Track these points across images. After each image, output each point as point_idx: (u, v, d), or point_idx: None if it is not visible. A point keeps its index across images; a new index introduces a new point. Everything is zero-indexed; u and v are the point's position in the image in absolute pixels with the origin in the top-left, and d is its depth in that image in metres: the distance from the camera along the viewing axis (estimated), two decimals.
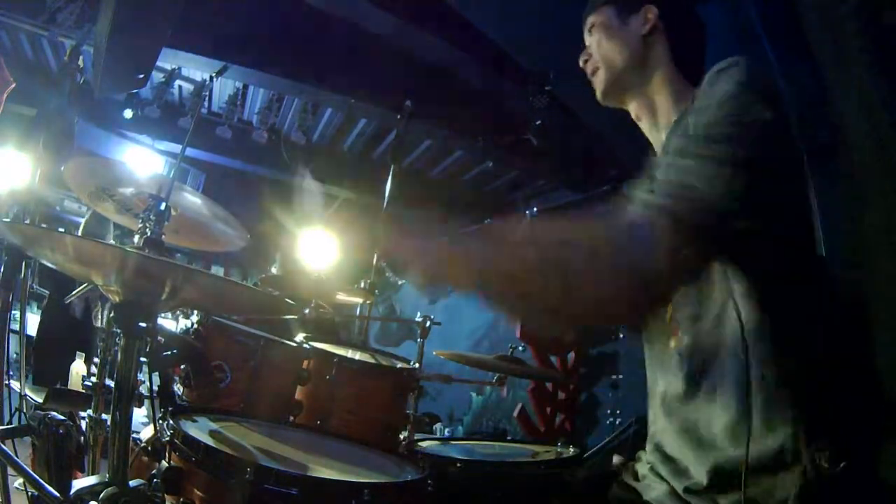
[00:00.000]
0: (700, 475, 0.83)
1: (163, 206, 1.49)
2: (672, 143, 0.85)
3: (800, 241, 0.84)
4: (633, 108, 1.09)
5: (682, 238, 0.71)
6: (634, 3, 1.06)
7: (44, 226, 1.63)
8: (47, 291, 3.79)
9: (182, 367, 1.50)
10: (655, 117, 1.05)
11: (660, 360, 1.00)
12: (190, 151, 5.25)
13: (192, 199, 1.82)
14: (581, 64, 1.12)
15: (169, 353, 1.14)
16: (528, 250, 0.75)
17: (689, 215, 0.72)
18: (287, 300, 1.18)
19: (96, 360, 1.77)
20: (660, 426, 0.94)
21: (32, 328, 3.45)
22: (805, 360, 0.81)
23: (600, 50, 1.07)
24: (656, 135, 1.07)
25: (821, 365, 0.84)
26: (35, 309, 4.35)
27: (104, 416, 1.61)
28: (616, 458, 1.03)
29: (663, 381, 0.96)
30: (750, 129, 0.77)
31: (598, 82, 1.08)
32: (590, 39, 1.10)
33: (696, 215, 0.72)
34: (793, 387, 0.79)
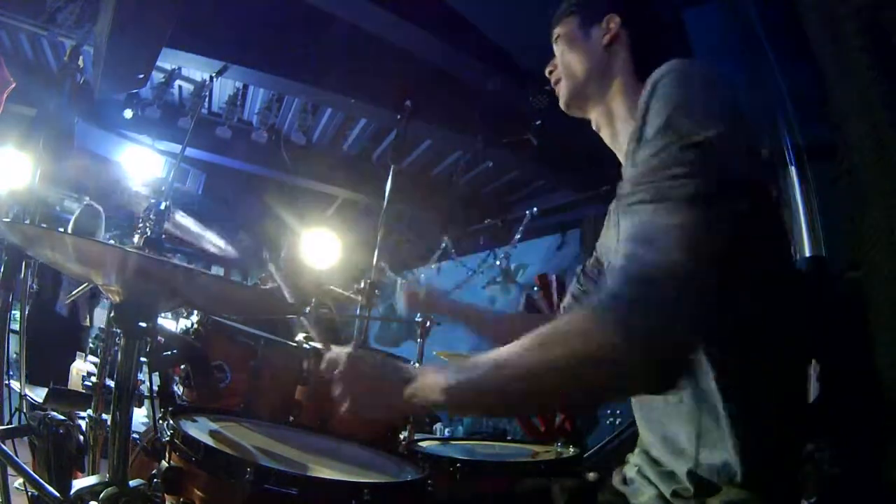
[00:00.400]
0: (687, 480, 0.82)
1: (162, 206, 1.49)
2: (627, 185, 0.77)
3: (767, 244, 0.81)
4: (594, 118, 1.08)
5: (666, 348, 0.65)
6: (597, 13, 1.06)
7: (44, 225, 1.63)
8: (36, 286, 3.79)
9: (182, 367, 1.51)
10: (615, 127, 1.05)
11: None
12: (190, 151, 5.25)
13: (182, 221, 1.82)
14: (546, 74, 1.13)
15: (169, 353, 1.14)
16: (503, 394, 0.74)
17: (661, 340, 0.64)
18: (287, 300, 1.18)
19: (92, 358, 1.77)
20: (644, 432, 0.94)
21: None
22: (781, 365, 0.80)
23: (563, 60, 1.08)
24: (617, 145, 1.06)
25: (798, 368, 0.84)
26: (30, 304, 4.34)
27: (104, 416, 1.62)
28: (591, 475, 1.02)
29: None
30: (697, 160, 0.70)
31: (561, 93, 1.09)
32: (556, 50, 1.11)
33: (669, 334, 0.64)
34: (771, 390, 0.79)
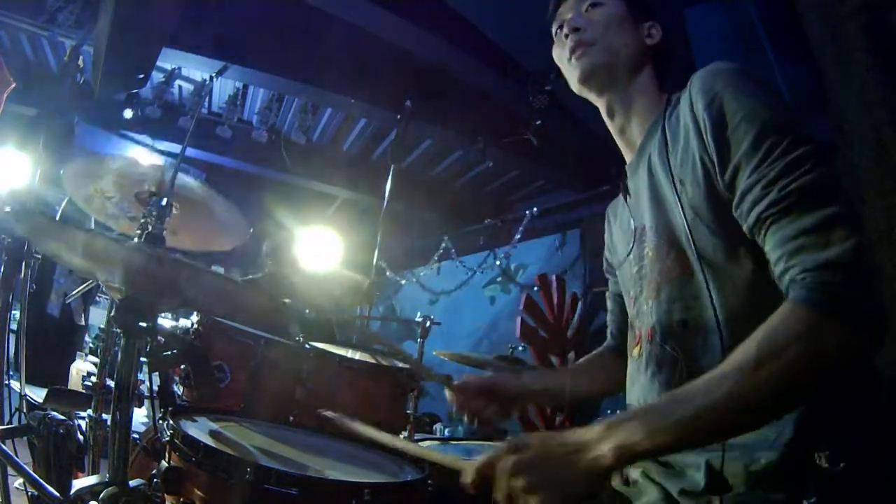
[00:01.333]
0: (697, 477, 0.82)
1: (164, 202, 1.48)
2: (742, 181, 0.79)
3: None
4: (609, 101, 1.04)
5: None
6: (645, 12, 1.06)
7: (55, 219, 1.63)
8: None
9: (182, 367, 1.51)
10: (629, 118, 1.04)
11: (634, 372, 1.00)
12: (190, 151, 5.26)
13: (195, 189, 1.79)
14: (567, 28, 1.03)
15: (169, 353, 1.14)
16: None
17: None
18: (284, 301, 1.18)
19: (92, 358, 1.77)
20: None
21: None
22: None
23: (607, 31, 1.02)
24: (625, 137, 1.05)
25: None
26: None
27: (104, 416, 1.61)
28: None
29: (639, 390, 0.96)
30: (809, 147, 0.75)
31: (589, 58, 1.01)
32: (587, 13, 1.04)
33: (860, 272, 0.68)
34: None
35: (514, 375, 1.23)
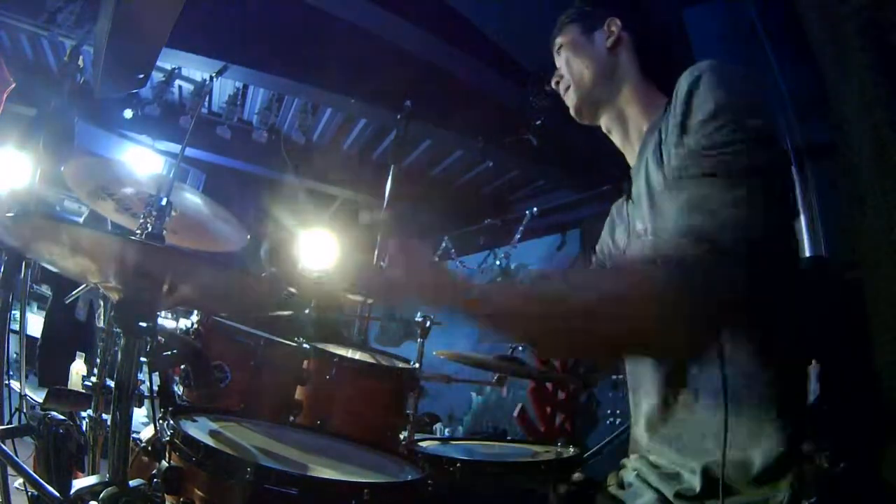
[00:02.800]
0: (692, 480, 0.82)
1: (164, 202, 1.49)
2: (669, 158, 0.83)
3: (779, 242, 0.83)
4: (605, 122, 1.10)
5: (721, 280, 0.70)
6: (597, 18, 1.08)
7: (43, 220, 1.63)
8: (49, 293, 3.79)
9: (182, 367, 1.51)
10: (626, 128, 1.06)
11: (636, 375, 1.00)
12: (190, 151, 5.25)
13: (192, 199, 1.81)
14: (553, 85, 1.14)
15: (169, 353, 1.14)
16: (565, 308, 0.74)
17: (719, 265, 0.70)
18: (290, 291, 1.17)
19: (98, 360, 1.77)
20: (643, 434, 0.94)
21: (32, 328, 3.45)
22: (785, 362, 0.81)
23: (569, 68, 1.09)
24: (629, 146, 1.08)
25: (801, 367, 0.84)
26: (35, 309, 4.35)
27: (104, 416, 1.61)
28: (576, 476, 1.02)
29: (643, 393, 0.96)
30: (749, 138, 0.76)
31: (570, 100, 1.10)
32: (559, 60, 1.12)
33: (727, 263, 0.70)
34: (775, 389, 0.79)
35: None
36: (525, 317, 0.79)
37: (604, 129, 1.11)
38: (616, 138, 1.10)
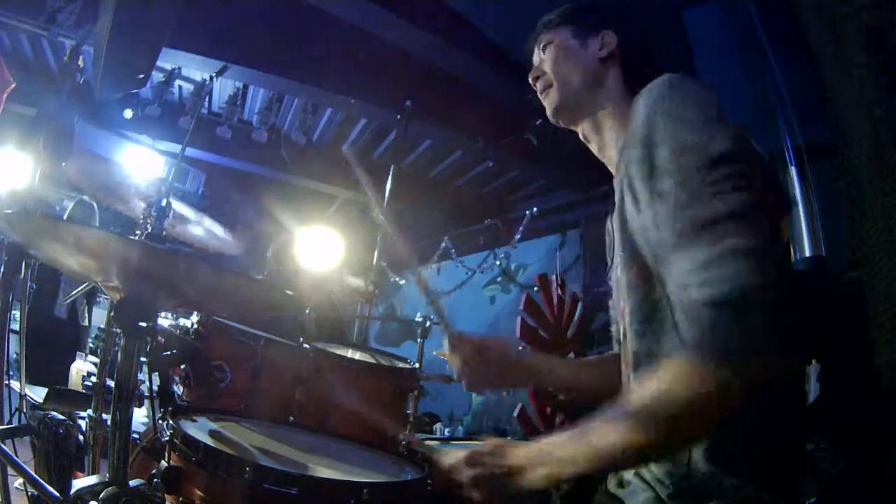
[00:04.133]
0: (688, 478, 0.82)
1: (163, 203, 1.49)
2: (647, 192, 0.79)
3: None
4: (582, 129, 1.09)
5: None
6: (592, 26, 1.07)
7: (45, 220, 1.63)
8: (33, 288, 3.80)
9: (182, 367, 1.51)
10: (603, 140, 1.06)
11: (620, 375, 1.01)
12: (190, 151, 5.26)
13: (186, 215, 1.81)
14: (531, 81, 1.12)
15: (169, 353, 1.14)
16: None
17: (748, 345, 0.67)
18: (288, 293, 1.17)
19: (92, 358, 1.76)
20: None
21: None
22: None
23: (556, 68, 1.08)
24: (604, 154, 1.08)
25: (797, 366, 0.84)
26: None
27: (104, 416, 1.61)
28: (563, 486, 1.02)
29: (624, 389, 0.97)
30: (732, 172, 0.73)
31: (550, 100, 1.09)
32: (541, 56, 1.11)
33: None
34: (769, 389, 0.79)
35: (519, 349, 1.24)
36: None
37: (581, 137, 1.11)
38: (593, 146, 1.10)
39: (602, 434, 0.74)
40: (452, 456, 0.90)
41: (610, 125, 1.05)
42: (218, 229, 1.83)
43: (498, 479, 0.83)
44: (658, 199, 0.76)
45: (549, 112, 1.10)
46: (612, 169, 1.08)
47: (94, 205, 1.93)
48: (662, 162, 0.77)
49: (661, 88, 0.82)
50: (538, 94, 1.11)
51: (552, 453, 0.80)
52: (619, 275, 0.97)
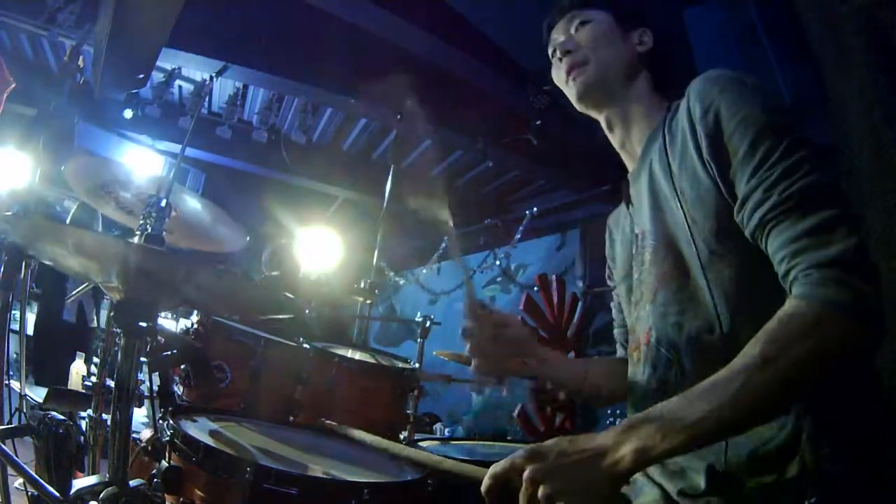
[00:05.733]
0: (697, 478, 0.82)
1: (163, 203, 1.49)
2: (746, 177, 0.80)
3: None
4: (608, 116, 1.08)
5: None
6: (633, 21, 1.08)
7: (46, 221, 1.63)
8: (40, 291, 3.79)
9: (182, 367, 1.51)
10: (629, 130, 1.06)
11: (633, 375, 1.00)
12: (190, 151, 5.25)
13: (192, 203, 1.81)
14: (560, 52, 1.07)
15: (169, 353, 1.14)
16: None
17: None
18: (288, 295, 1.18)
19: (95, 360, 1.76)
20: None
21: (32, 328, 3.46)
22: None
23: (597, 48, 1.05)
24: (628, 148, 1.07)
25: None
26: (35, 309, 4.34)
27: (104, 416, 1.61)
28: None
29: (640, 397, 0.96)
30: (809, 154, 0.77)
31: (584, 77, 1.04)
32: (572, 32, 1.07)
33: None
34: None
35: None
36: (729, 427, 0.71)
37: (604, 124, 1.09)
38: (616, 138, 1.09)
39: (708, 392, 0.68)
40: (491, 472, 0.74)
41: (637, 116, 1.04)
42: (228, 220, 1.82)
43: (567, 472, 0.69)
44: (745, 175, 0.79)
45: (578, 90, 1.05)
46: (629, 162, 1.08)
47: (97, 207, 1.93)
48: (746, 142, 0.79)
49: (729, 76, 0.85)
50: (563, 70, 1.06)
51: (648, 418, 0.70)
52: (646, 269, 0.97)
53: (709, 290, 0.85)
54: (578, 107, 1.08)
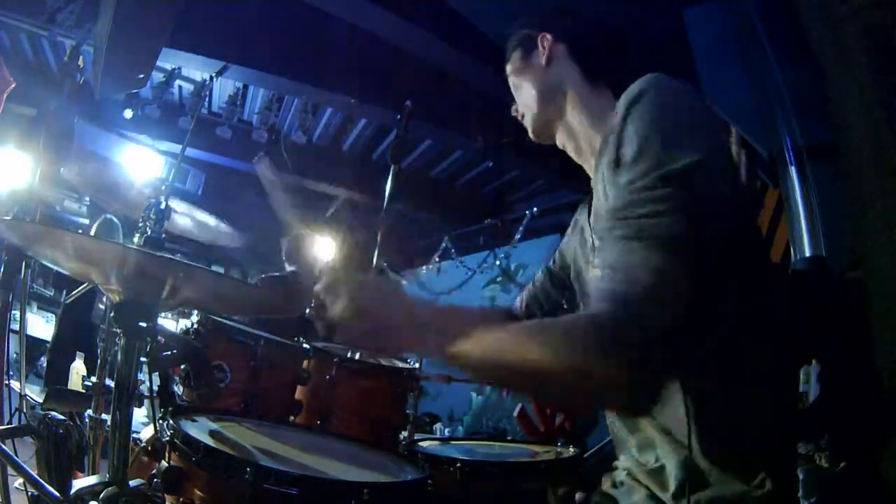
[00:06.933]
0: (672, 479, 0.82)
1: (162, 206, 1.49)
2: (609, 196, 0.80)
3: (746, 258, 0.80)
4: (559, 139, 1.09)
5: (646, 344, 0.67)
6: (531, 38, 1.07)
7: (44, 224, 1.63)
8: (54, 293, 3.79)
9: (182, 367, 1.50)
10: (578, 144, 1.05)
11: None
12: (190, 151, 5.26)
13: (182, 221, 1.81)
14: (513, 114, 1.14)
15: (169, 353, 1.14)
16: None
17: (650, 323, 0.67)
18: (288, 298, 1.17)
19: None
20: (624, 435, 0.94)
21: (32, 328, 3.46)
22: (738, 367, 0.79)
23: (519, 95, 1.09)
24: (582, 158, 1.07)
25: (781, 367, 0.83)
26: (35, 309, 4.35)
27: (104, 416, 1.61)
28: (578, 496, 1.02)
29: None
30: (681, 177, 0.71)
31: (528, 126, 1.10)
32: (513, 91, 1.12)
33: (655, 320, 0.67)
34: (746, 390, 0.79)
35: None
36: (488, 370, 0.81)
37: (559, 146, 1.10)
38: (570, 151, 1.09)
39: (489, 336, 0.75)
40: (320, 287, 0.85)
41: (581, 127, 1.03)
42: (219, 224, 1.82)
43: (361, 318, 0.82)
44: (611, 193, 0.78)
45: (533, 138, 1.13)
46: (589, 171, 1.06)
47: (118, 222, 1.94)
48: (624, 161, 0.76)
49: (640, 88, 0.81)
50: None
51: (440, 328, 0.79)
52: (591, 275, 0.97)
53: None
54: (544, 144, 1.13)
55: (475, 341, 0.75)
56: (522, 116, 1.11)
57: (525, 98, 1.08)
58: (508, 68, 1.11)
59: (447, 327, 0.78)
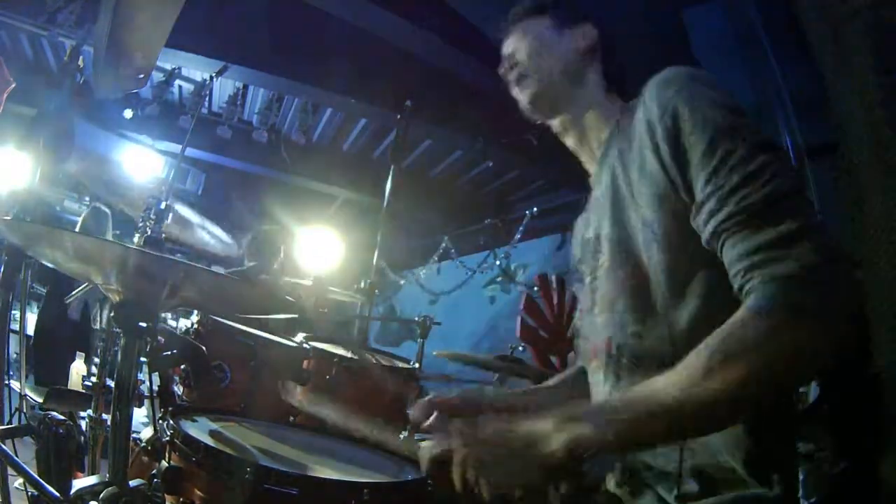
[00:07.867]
0: (685, 479, 0.82)
1: (162, 206, 1.49)
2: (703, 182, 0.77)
3: None
4: (560, 123, 1.07)
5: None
6: (571, 19, 1.06)
7: (41, 224, 1.63)
8: (44, 290, 3.79)
9: (182, 367, 1.50)
10: (584, 134, 1.05)
11: (595, 384, 0.99)
12: (190, 151, 5.25)
13: (183, 213, 1.81)
14: (503, 70, 1.10)
15: (169, 353, 1.14)
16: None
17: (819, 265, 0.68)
18: (288, 297, 1.18)
19: (96, 360, 1.77)
20: None
21: (32, 328, 3.46)
22: None
23: (535, 59, 1.05)
24: (585, 151, 1.06)
25: None
26: (35, 309, 4.35)
27: (104, 416, 1.62)
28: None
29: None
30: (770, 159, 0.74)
31: (527, 90, 1.06)
32: (516, 45, 1.08)
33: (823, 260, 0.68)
34: None
35: (480, 392, 1.21)
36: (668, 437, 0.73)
37: (557, 130, 1.09)
38: (569, 140, 1.08)
39: (649, 395, 0.68)
40: (427, 453, 0.76)
41: (591, 120, 1.03)
42: (219, 231, 1.83)
43: (498, 457, 0.71)
44: (702, 180, 0.76)
45: (525, 101, 1.07)
46: (589, 165, 1.06)
47: (108, 212, 1.94)
48: (703, 143, 0.76)
49: (685, 75, 0.83)
50: (513, 84, 1.08)
51: (588, 413, 0.70)
52: (602, 274, 0.95)
53: (668, 299, 0.82)
54: (532, 116, 1.09)
55: (649, 406, 0.68)
56: (521, 78, 1.06)
57: (543, 67, 1.04)
58: (525, 25, 1.08)
59: (608, 415, 0.70)
